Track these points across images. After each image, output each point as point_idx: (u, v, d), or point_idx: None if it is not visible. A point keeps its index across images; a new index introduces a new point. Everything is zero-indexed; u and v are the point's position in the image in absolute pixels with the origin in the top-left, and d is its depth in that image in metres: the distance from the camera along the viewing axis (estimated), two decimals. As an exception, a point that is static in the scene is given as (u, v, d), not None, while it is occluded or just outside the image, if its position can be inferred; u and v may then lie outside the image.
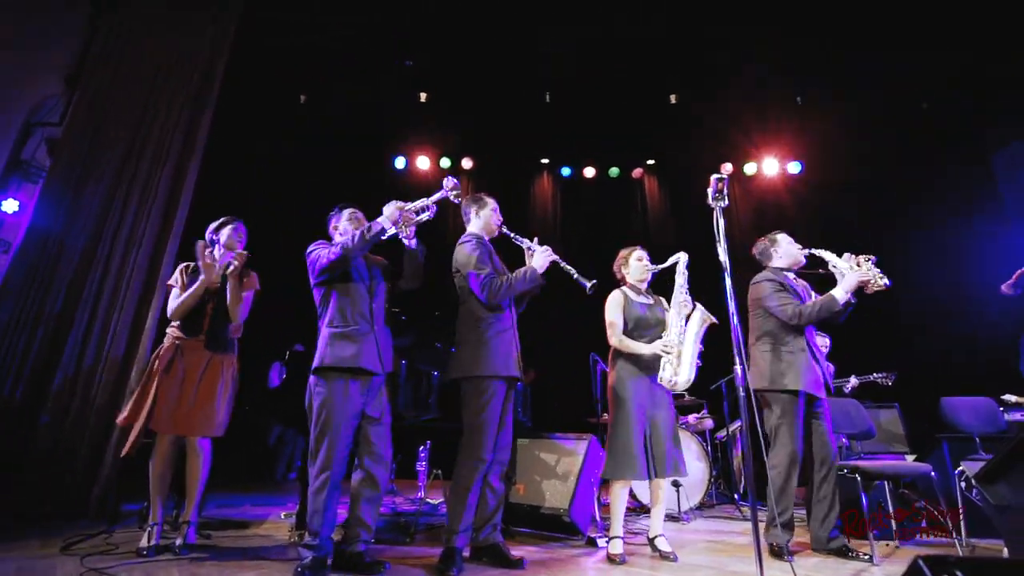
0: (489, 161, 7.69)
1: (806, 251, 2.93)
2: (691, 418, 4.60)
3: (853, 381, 4.22)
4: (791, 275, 2.96)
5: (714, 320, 2.64)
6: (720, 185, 2.15)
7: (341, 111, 6.78)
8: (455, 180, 2.58)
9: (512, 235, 2.69)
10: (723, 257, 2.12)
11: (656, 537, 2.65)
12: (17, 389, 3.45)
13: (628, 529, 3.06)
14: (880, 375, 4.19)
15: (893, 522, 2.88)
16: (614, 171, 7.73)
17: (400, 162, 7.51)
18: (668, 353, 2.59)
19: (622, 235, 7.20)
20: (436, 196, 2.58)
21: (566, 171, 7.75)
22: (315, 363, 2.34)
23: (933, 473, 2.80)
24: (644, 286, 2.93)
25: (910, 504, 3.26)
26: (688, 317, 2.67)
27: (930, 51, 5.72)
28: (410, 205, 2.52)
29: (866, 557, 2.51)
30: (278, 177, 6.64)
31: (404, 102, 6.81)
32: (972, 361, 4.91)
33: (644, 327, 2.76)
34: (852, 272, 2.70)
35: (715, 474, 4.41)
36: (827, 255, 2.83)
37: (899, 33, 5.56)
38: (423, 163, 7.54)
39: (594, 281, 2.49)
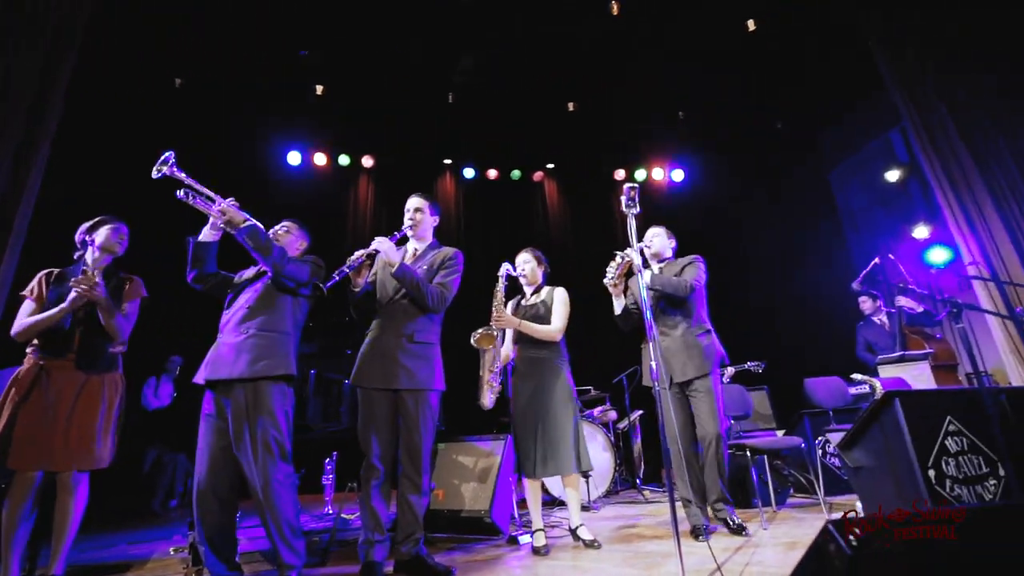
0: (391, 159, 7.48)
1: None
2: (596, 411, 4.86)
3: (729, 371, 4.75)
4: None
5: (492, 350, 2.84)
6: (632, 193, 2.30)
7: (223, 96, 6.16)
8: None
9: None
10: (637, 259, 2.29)
11: (578, 527, 2.76)
12: None
13: (546, 522, 3.17)
14: (752, 364, 4.76)
15: (771, 491, 3.29)
16: (516, 174, 7.92)
17: (294, 157, 7.03)
18: (481, 376, 2.83)
19: (524, 236, 7.43)
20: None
21: (469, 172, 7.79)
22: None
23: (803, 445, 3.25)
24: (530, 289, 3.09)
25: (781, 473, 3.77)
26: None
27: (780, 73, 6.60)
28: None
29: (737, 525, 2.74)
30: (149, 166, 5.86)
31: (299, 93, 6.38)
32: (827, 346, 5.77)
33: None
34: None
35: (618, 462, 4.71)
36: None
37: (755, 57, 6.34)
38: (320, 160, 7.14)
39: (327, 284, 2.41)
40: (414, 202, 2.66)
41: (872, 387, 3.85)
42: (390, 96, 6.60)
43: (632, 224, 2.28)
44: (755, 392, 4.92)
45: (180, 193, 2.22)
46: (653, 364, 2.10)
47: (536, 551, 2.64)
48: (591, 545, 2.67)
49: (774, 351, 5.27)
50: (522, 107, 7.00)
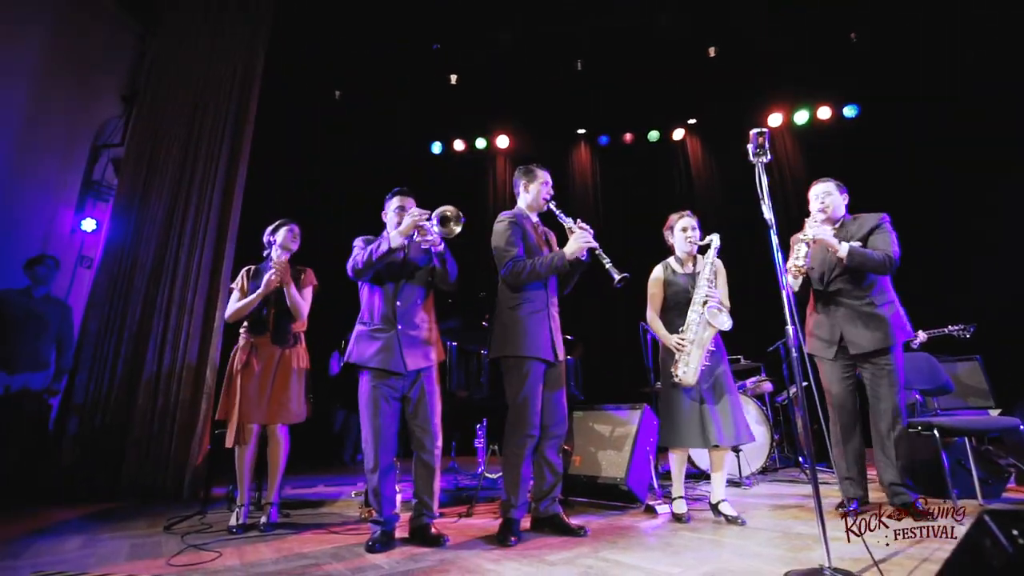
0: (524, 137, 7.62)
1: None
2: (749, 382, 4.48)
3: (921, 336, 3.94)
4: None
5: (726, 328, 2.59)
6: (760, 140, 2.05)
7: (374, 102, 6.89)
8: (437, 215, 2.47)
9: (557, 212, 2.65)
10: (768, 215, 2.02)
11: (720, 502, 2.62)
12: (113, 390, 3.83)
13: (690, 494, 3.06)
14: (956, 327, 3.88)
15: (976, 480, 2.71)
16: (654, 135, 7.47)
17: (436, 147, 7.58)
18: (680, 350, 2.60)
19: (666, 201, 7.00)
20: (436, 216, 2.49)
21: (603, 139, 7.56)
22: (345, 357, 2.49)
23: (1022, 427, 2.61)
24: (690, 256, 2.87)
25: (994, 461, 3.06)
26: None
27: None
28: (424, 220, 2.43)
29: (920, 513, 2.34)
30: (321, 172, 6.87)
31: (435, 86, 6.83)
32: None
33: (684, 302, 2.73)
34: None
35: (777, 438, 4.29)
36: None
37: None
38: (459, 146, 7.58)
39: (625, 275, 2.39)
40: None
41: None
42: (519, 73, 6.69)
43: (762, 175, 2.03)
44: (963, 363, 4.04)
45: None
46: (790, 329, 1.87)
47: (677, 518, 2.61)
48: (734, 521, 2.51)
49: (989, 312, 4.25)
50: (656, 60, 6.52)
